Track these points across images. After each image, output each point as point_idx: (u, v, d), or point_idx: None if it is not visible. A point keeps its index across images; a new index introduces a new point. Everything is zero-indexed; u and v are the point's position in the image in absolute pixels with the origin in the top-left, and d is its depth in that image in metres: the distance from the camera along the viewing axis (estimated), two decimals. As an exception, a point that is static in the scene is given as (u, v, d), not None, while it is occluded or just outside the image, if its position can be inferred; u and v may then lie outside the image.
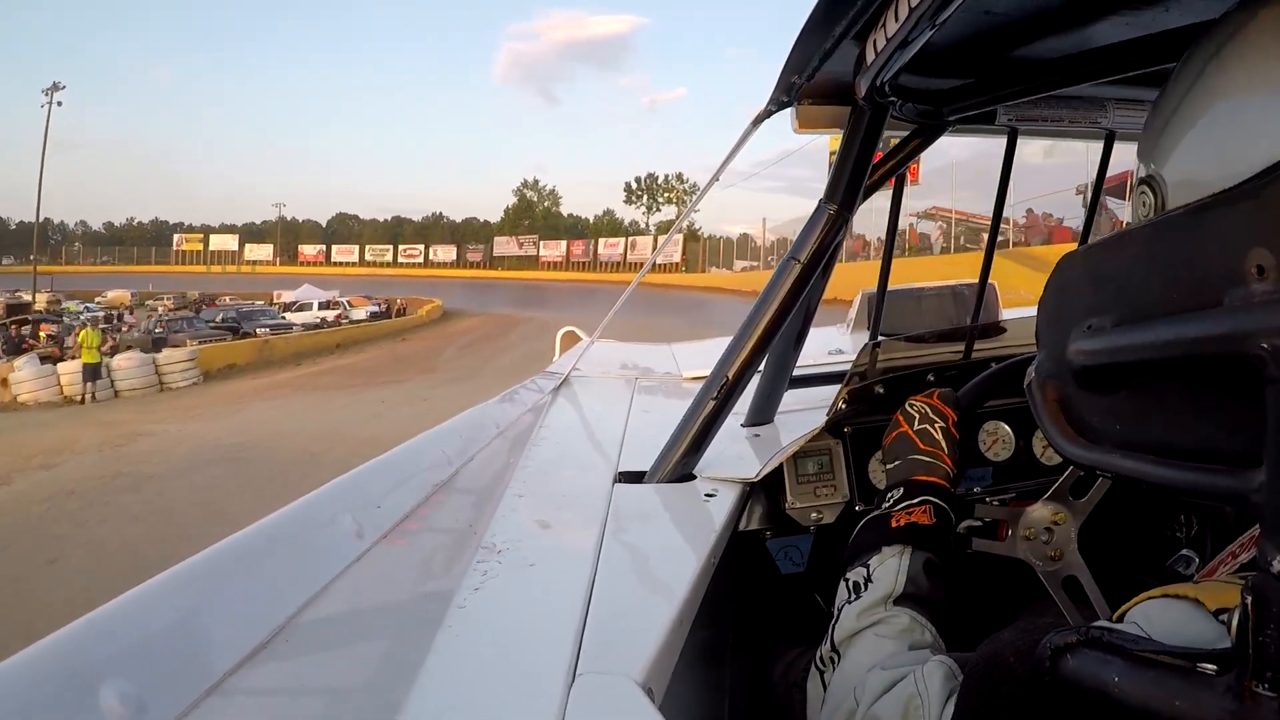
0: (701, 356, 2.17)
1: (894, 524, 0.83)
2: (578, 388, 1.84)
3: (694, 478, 1.09)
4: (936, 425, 0.94)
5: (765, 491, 1.21)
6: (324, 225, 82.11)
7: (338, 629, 0.62)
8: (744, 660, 1.23)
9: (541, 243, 62.35)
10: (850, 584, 0.81)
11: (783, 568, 1.25)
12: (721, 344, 1.12)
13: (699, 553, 0.83)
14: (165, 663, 0.50)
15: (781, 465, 1.17)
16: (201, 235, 75.37)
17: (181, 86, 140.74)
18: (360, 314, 30.13)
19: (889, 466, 0.94)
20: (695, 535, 0.90)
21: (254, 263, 71.02)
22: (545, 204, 74.08)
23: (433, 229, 75.66)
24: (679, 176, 67.34)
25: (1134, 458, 0.48)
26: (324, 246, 71.62)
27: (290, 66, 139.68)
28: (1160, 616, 0.48)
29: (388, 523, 0.80)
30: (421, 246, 68.80)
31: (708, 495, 1.04)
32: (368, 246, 70.78)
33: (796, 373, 1.35)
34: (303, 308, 30.12)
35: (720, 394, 1.08)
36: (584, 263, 56.32)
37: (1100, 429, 0.51)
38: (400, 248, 68.91)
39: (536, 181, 75.57)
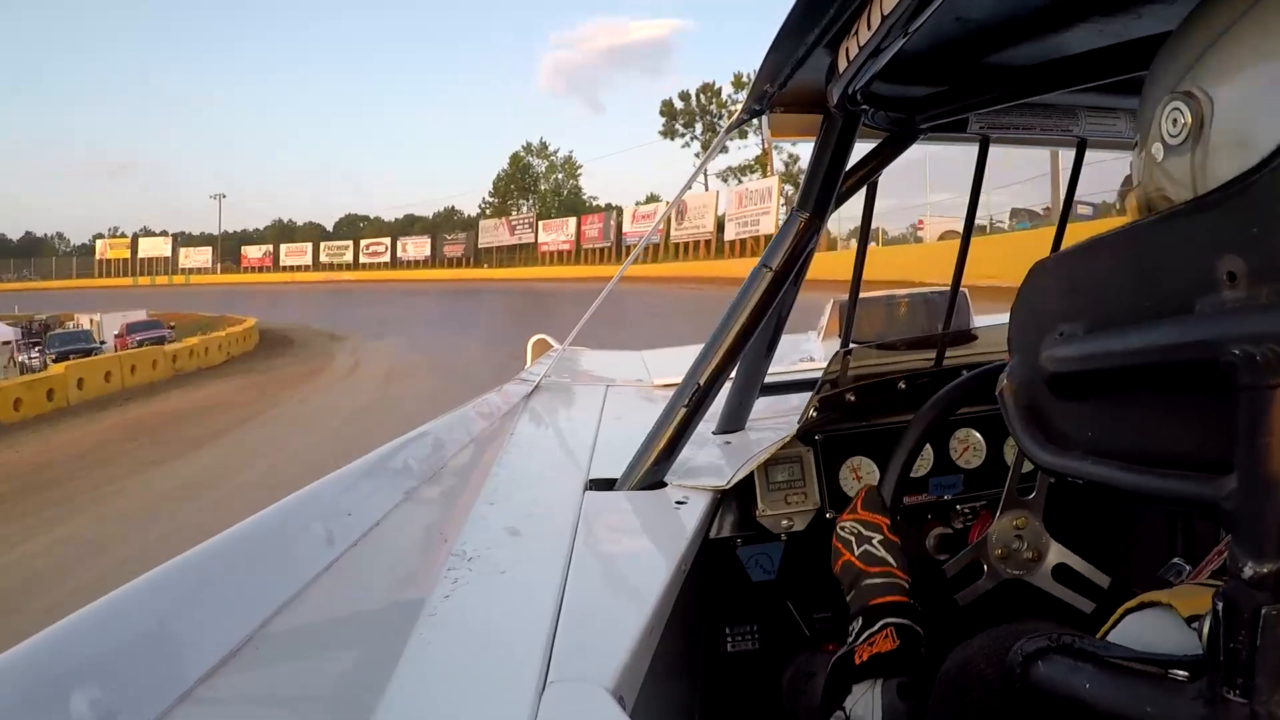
0: (673, 364, 2.17)
1: (858, 660, 0.83)
2: (549, 395, 1.83)
3: (665, 485, 1.09)
4: (874, 540, 0.94)
5: (736, 499, 1.20)
6: (329, 229, 68.95)
7: (309, 637, 0.62)
8: (715, 668, 1.24)
9: (541, 223, 43.22)
10: None
11: (754, 575, 1.25)
12: (692, 351, 1.12)
13: (670, 560, 0.83)
14: (137, 670, 0.49)
15: (752, 473, 1.17)
16: (129, 241, 64.35)
17: (188, 88, 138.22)
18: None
19: (848, 597, 0.94)
20: (666, 543, 0.90)
21: (189, 271, 59.32)
22: (557, 175, 50.61)
23: (443, 224, 59.20)
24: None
25: (1105, 464, 0.48)
26: (270, 248, 59.15)
27: (318, 75, 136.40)
28: (1140, 631, 0.48)
29: (358, 530, 0.79)
30: (387, 241, 53.40)
31: (679, 503, 1.03)
32: (323, 245, 56.82)
33: (768, 380, 1.35)
34: None
35: (692, 401, 1.08)
36: (603, 249, 38.28)
37: (1072, 435, 0.51)
38: (363, 244, 54.38)
39: (545, 145, 51.17)
